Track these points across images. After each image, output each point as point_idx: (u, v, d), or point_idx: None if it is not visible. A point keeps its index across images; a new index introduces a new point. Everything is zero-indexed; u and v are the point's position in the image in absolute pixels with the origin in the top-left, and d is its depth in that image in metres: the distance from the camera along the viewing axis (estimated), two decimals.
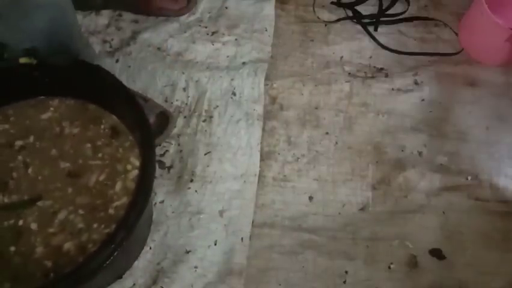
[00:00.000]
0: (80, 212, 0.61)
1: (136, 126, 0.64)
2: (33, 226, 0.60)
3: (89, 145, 0.66)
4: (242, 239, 0.75)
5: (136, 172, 0.64)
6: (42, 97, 0.69)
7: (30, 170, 0.64)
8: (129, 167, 0.65)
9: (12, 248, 0.58)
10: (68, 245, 0.59)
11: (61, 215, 0.61)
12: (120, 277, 0.70)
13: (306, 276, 0.74)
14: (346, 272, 0.75)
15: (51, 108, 0.69)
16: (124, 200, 0.62)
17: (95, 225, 0.60)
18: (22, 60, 0.65)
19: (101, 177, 0.64)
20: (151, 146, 0.61)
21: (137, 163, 0.65)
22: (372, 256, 0.76)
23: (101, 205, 0.62)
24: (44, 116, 0.68)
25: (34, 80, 0.67)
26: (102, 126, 0.68)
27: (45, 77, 0.67)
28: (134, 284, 0.70)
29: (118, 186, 0.63)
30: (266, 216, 0.79)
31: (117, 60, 0.91)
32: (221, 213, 0.77)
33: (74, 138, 0.67)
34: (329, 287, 0.74)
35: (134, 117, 0.64)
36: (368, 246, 0.77)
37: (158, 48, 0.94)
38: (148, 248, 0.73)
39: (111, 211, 0.61)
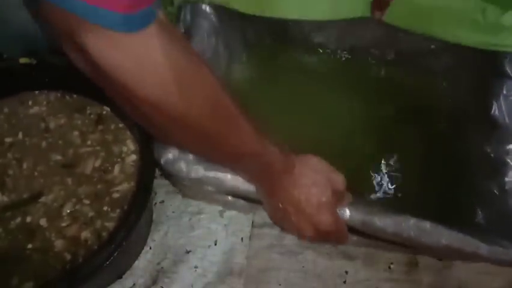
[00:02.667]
0: (86, 201, 0.61)
1: (136, 126, 0.64)
2: (43, 222, 0.59)
3: (76, 133, 0.66)
4: (242, 239, 0.75)
5: (134, 157, 0.64)
6: (27, 92, 0.69)
7: (24, 166, 0.63)
8: (125, 149, 0.65)
9: (30, 246, 0.58)
10: (85, 234, 0.59)
11: (67, 208, 0.60)
12: (120, 277, 0.70)
13: (306, 276, 0.74)
14: (346, 272, 0.75)
15: (37, 102, 0.68)
16: (126, 184, 0.62)
17: (104, 209, 0.61)
18: (22, 60, 0.65)
19: (97, 163, 0.64)
20: (151, 146, 0.61)
21: (132, 147, 0.65)
22: (372, 256, 0.76)
23: (104, 191, 0.62)
24: (31, 111, 0.68)
25: (34, 80, 0.67)
26: (88, 112, 0.68)
27: (45, 77, 0.67)
28: (134, 284, 0.70)
29: (117, 169, 0.63)
30: (266, 216, 0.79)
31: None
32: (221, 213, 0.77)
33: (61, 129, 0.66)
34: (329, 287, 0.74)
35: None
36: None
37: None
38: (148, 248, 0.73)
39: (115, 195, 0.61)
